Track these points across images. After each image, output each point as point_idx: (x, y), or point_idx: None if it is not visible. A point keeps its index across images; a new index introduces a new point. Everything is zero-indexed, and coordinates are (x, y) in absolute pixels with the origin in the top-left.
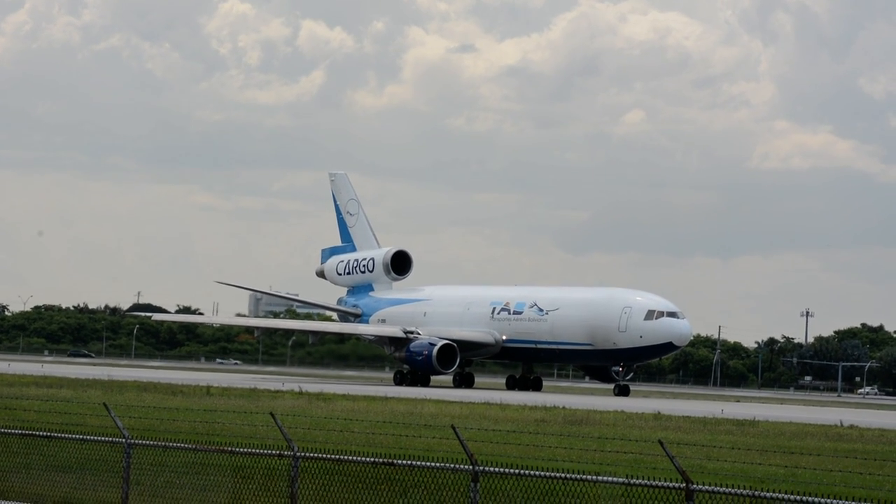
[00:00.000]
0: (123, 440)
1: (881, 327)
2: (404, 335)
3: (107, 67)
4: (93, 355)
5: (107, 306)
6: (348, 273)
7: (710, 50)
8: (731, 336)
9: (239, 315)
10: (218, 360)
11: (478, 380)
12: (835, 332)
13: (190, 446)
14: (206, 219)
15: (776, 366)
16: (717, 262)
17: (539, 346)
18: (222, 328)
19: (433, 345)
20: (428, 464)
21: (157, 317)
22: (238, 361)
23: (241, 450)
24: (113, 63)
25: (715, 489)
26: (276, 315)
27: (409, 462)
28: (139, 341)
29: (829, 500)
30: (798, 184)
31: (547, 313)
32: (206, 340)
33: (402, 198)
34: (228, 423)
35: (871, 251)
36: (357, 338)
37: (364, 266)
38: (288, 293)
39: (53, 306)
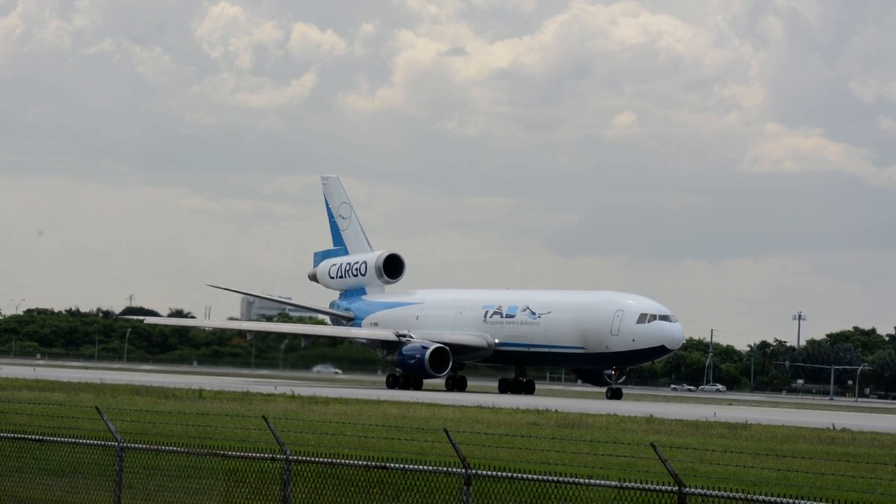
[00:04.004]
0: (116, 444)
1: (873, 330)
2: (397, 339)
3: (98, 71)
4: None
5: (99, 310)
6: (341, 276)
7: (702, 53)
8: (723, 339)
9: (231, 318)
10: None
11: (470, 383)
12: (827, 336)
13: (182, 450)
14: (198, 222)
15: (768, 369)
16: (708, 266)
17: (532, 349)
18: (214, 332)
19: (426, 348)
20: (420, 467)
21: (149, 320)
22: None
23: (234, 453)
24: (104, 66)
25: (707, 492)
26: (268, 318)
27: (401, 465)
28: (131, 345)
29: None
30: (789, 187)
31: (539, 317)
32: (199, 344)
33: (394, 201)
34: (221, 426)
35: (862, 254)
36: (350, 341)
37: (356, 269)
38: (280, 297)
39: (46, 310)
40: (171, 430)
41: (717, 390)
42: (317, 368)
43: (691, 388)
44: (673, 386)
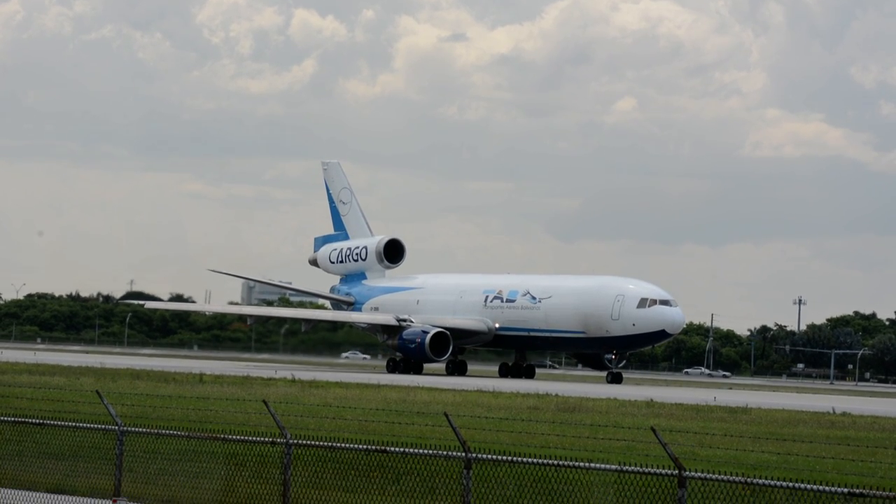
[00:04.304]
0: (116, 427)
1: (874, 315)
2: (397, 323)
3: (98, 56)
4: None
5: (99, 294)
6: (341, 261)
7: (702, 39)
8: (723, 324)
9: (232, 303)
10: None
11: (470, 367)
12: (827, 320)
13: (183, 433)
14: (198, 207)
15: (769, 353)
16: (709, 250)
17: (532, 333)
18: (215, 316)
19: (426, 332)
20: (421, 451)
21: (149, 305)
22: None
23: (234, 437)
24: (104, 52)
25: (707, 476)
26: (269, 303)
27: (401, 449)
28: (132, 329)
29: (821, 487)
30: (790, 172)
31: (540, 301)
32: (199, 328)
33: (394, 186)
34: (221, 410)
35: (863, 239)
36: (350, 326)
37: (357, 254)
38: (281, 281)
39: (46, 294)
40: (171, 414)
41: (710, 375)
42: (345, 354)
43: (726, 374)
44: (706, 371)
